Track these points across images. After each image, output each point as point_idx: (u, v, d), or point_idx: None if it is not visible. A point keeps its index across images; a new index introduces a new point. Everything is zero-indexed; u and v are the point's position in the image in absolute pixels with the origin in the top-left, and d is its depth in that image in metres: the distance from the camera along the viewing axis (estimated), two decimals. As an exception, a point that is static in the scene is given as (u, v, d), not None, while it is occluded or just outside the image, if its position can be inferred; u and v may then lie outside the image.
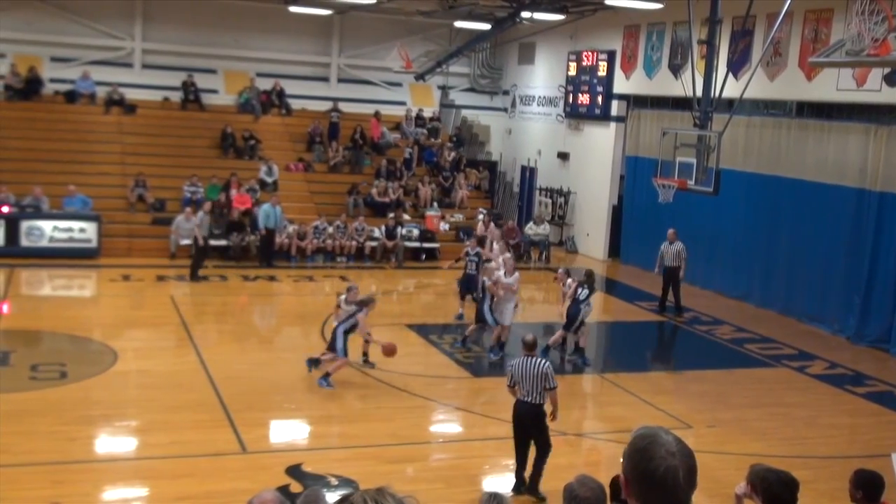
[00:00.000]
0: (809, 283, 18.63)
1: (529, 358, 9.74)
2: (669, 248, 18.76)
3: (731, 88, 16.89)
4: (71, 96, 25.19)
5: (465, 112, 30.35)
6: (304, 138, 26.62)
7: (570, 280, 15.46)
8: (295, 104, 27.51)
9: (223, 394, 12.41)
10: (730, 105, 17.66)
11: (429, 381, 13.57)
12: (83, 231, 21.05)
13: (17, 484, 9.34)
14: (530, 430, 9.75)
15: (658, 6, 20.40)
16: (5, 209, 20.71)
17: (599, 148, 25.33)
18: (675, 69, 21.82)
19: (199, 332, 15.85)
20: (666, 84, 22.22)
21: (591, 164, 25.58)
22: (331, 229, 22.77)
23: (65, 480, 9.56)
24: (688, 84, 16.38)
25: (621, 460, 2.57)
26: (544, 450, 9.74)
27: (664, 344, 18.84)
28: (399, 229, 23.41)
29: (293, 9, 25.51)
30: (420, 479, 10.20)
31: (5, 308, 16.94)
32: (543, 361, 9.82)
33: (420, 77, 27.36)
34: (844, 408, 13.58)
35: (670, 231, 18.77)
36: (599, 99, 24.94)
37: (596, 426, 12.95)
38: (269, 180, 24.15)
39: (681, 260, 18.76)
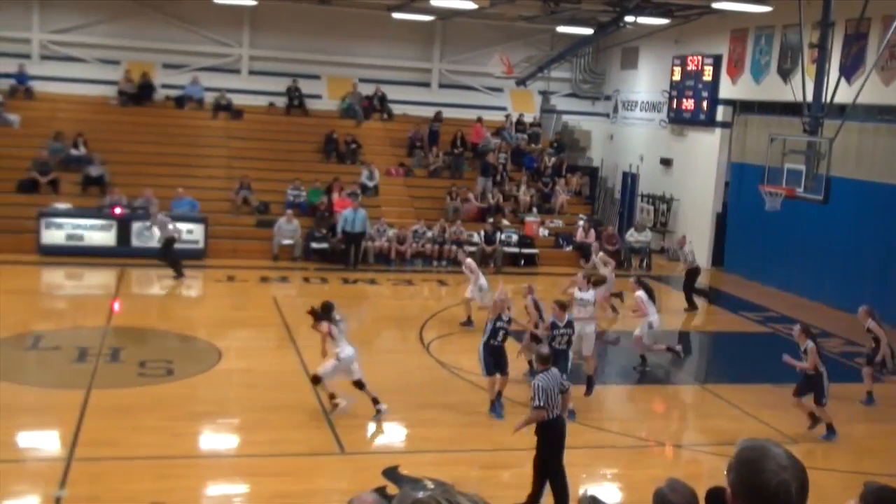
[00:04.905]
0: (926, 295, 17.87)
1: (549, 372, 9.54)
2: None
3: (844, 93, 16.35)
4: (180, 101, 25.96)
5: (566, 117, 30.15)
6: (404, 143, 26.85)
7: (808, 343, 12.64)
8: (396, 109, 27.78)
9: (322, 395, 12.57)
10: (842, 111, 17.10)
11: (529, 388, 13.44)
12: (191, 232, 21.56)
13: (123, 476, 9.65)
14: (562, 449, 9.40)
15: (767, 9, 19.89)
16: (118, 211, 21.45)
17: (704, 154, 24.85)
18: (785, 74, 21.23)
19: (299, 333, 16.08)
20: (774, 89, 21.65)
21: (695, 171, 25.10)
22: (430, 234, 22.87)
23: (169, 475, 9.83)
24: (797, 89, 15.95)
25: (725, 473, 2.48)
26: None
27: (768, 356, 18.26)
28: (498, 234, 23.38)
29: (396, 15, 25.77)
30: (514, 485, 10.12)
31: (116, 306, 17.53)
32: (562, 374, 9.75)
33: (521, 82, 27.32)
34: (962, 427, 12.98)
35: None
36: (704, 104, 24.49)
37: (696, 438, 12.68)
38: (370, 184, 24.41)
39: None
